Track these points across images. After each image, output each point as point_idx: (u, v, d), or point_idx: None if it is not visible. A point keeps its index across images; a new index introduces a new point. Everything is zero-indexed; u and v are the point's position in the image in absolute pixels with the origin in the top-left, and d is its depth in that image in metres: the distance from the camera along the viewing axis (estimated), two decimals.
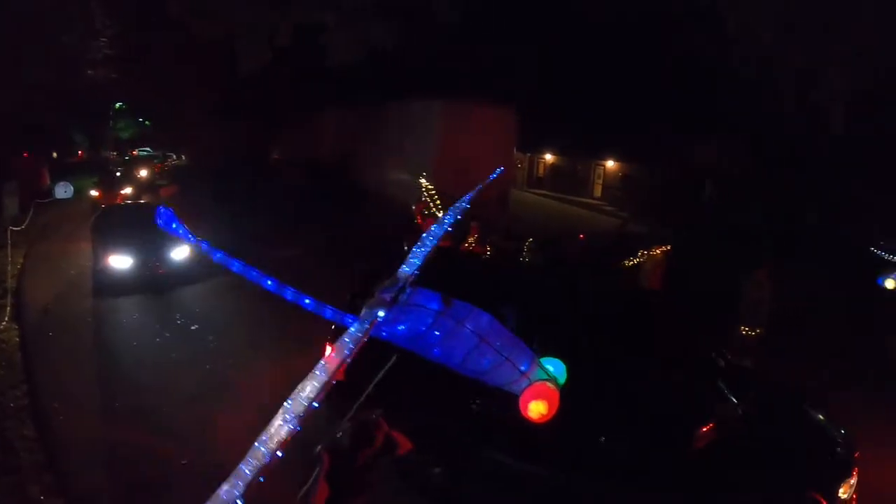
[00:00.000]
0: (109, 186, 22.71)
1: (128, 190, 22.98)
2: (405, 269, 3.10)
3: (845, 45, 14.99)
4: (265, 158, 40.03)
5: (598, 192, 38.38)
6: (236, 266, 2.98)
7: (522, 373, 3.10)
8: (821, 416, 6.66)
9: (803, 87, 16.64)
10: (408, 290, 2.98)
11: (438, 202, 11.85)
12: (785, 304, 11.14)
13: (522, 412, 3.07)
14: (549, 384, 3.14)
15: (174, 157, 52.59)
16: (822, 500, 5.69)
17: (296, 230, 17.89)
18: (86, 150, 53.69)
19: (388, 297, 2.93)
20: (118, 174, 28.51)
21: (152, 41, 28.99)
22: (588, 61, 29.91)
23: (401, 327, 2.97)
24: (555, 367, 3.26)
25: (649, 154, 31.95)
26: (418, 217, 11.24)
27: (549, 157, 42.25)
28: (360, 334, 2.86)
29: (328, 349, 6.09)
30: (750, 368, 8.61)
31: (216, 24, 19.75)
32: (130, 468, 6.05)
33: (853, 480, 5.89)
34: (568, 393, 3.53)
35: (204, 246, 2.94)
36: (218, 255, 2.96)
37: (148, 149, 53.74)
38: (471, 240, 11.45)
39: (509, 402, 3.21)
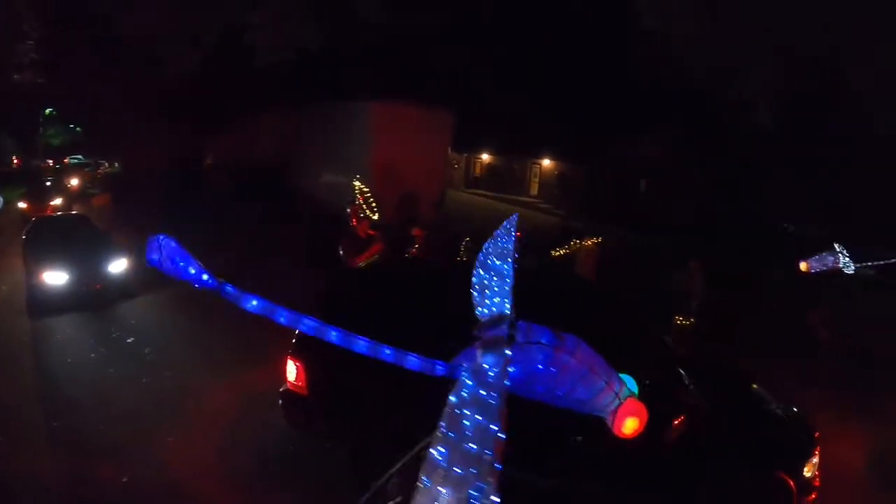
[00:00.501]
0: (38, 197, 21.58)
1: (58, 201, 21.94)
2: (498, 304, 2.84)
3: (769, 45, 15.52)
4: (199, 164, 38.96)
5: (534, 190, 38.73)
6: (284, 316, 2.53)
7: (615, 394, 2.94)
8: (771, 398, 6.84)
9: (731, 86, 17.19)
10: (521, 327, 2.72)
11: (373, 204, 11.61)
12: (717, 292, 11.45)
13: (616, 431, 2.92)
14: (634, 398, 2.97)
15: (106, 164, 50.54)
16: (788, 479, 5.86)
17: (229, 237, 17.42)
18: (21, 158, 51.41)
19: (499, 336, 2.67)
20: (48, 184, 27.16)
21: (76, 43, 27.93)
22: (523, 61, 30.18)
23: (511, 369, 2.68)
24: (626, 379, 3.10)
25: (585, 152, 32.42)
26: (354, 220, 10.98)
27: (485, 156, 42.39)
28: (499, 383, 2.58)
29: (290, 364, 5.79)
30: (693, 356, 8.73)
31: (141, 24, 19.15)
32: (70, 490, 5.79)
33: (815, 459, 6.07)
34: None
35: (230, 290, 2.33)
36: (252, 301, 2.36)
37: (80, 156, 51.42)
38: (416, 247, 11.29)
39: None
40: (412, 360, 2.61)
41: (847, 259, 12.23)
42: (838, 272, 12.14)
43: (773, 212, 26.38)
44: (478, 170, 43.63)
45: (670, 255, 11.95)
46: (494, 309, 2.84)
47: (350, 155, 20.49)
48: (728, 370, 7.64)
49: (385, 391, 5.52)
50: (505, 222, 3.57)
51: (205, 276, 2.34)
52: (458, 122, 27.30)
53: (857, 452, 8.90)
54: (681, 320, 10.57)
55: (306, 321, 2.43)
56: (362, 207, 11.38)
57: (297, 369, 5.76)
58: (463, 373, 2.61)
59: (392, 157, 18.92)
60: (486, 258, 3.26)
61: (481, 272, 3.10)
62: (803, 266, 12.05)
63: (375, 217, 11.21)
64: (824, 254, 12.18)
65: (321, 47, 20.08)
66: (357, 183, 11.73)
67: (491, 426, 2.42)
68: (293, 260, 13.92)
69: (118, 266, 12.26)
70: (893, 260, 13.07)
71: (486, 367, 2.60)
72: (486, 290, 2.99)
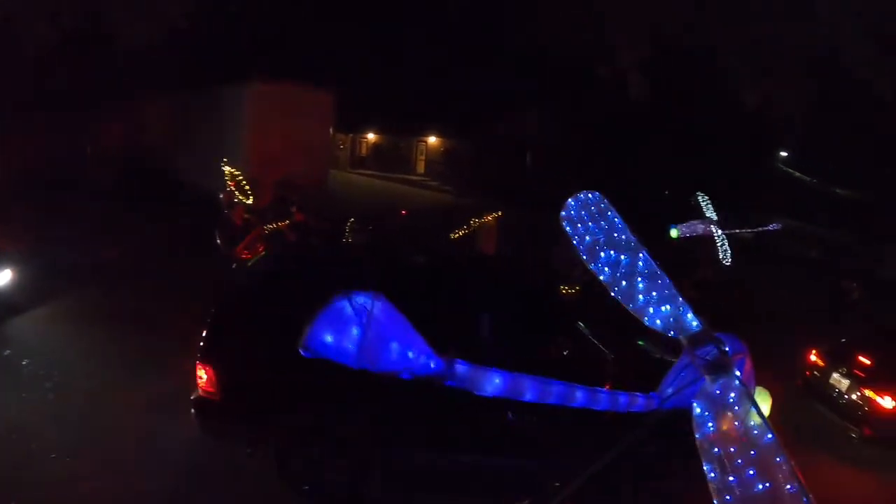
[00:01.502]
0: None
1: None
2: (670, 313, 2.84)
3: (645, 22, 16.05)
4: (76, 154, 36.36)
5: (421, 168, 38.78)
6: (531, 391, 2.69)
7: None
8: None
9: (601, 57, 17.57)
10: (724, 339, 2.75)
11: (247, 188, 11.12)
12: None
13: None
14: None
15: None
16: None
17: (111, 230, 16.39)
18: None
19: (716, 356, 2.63)
20: None
21: None
22: (407, 38, 29.89)
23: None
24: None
25: (471, 128, 32.68)
26: (226, 206, 10.54)
27: (371, 136, 42.00)
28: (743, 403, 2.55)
29: (200, 370, 5.31)
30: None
31: None
32: None
33: None
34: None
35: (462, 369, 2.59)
36: (495, 379, 2.69)
37: None
38: (287, 225, 10.98)
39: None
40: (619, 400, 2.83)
41: (716, 225, 12.99)
42: (709, 236, 12.91)
43: (652, 181, 27.64)
44: (364, 150, 43.17)
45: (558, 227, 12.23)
46: (669, 319, 2.83)
47: (229, 140, 19.66)
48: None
49: (300, 386, 5.36)
50: (590, 204, 3.49)
51: (431, 363, 2.46)
52: (343, 102, 26.78)
53: None
54: (566, 290, 10.85)
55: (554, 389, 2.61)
56: (234, 193, 10.94)
57: (207, 374, 5.45)
58: (695, 404, 2.62)
59: (272, 140, 18.33)
60: (600, 250, 3.20)
61: (607, 270, 3.08)
62: (674, 233, 12.74)
63: (249, 202, 10.79)
64: (694, 221, 12.90)
65: (193, 26, 18.99)
66: (228, 168, 11.21)
67: (766, 439, 2.43)
68: (178, 252, 13.26)
69: (2, 278, 10.97)
70: (766, 227, 14.02)
71: (720, 391, 2.58)
72: (641, 296, 2.94)
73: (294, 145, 18.83)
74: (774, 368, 9.84)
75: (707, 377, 2.62)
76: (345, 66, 27.55)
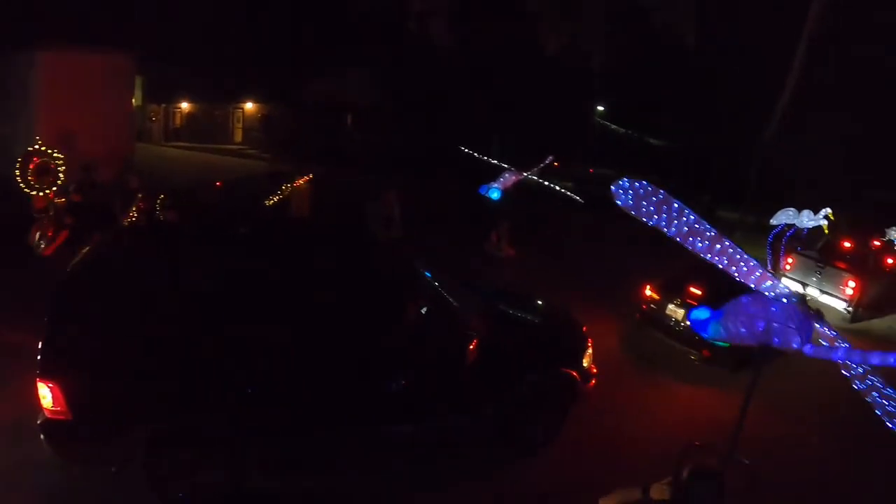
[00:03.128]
0: None
1: None
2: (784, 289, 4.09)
3: None
4: None
5: (239, 137, 37.64)
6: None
7: None
8: (540, 302, 7.82)
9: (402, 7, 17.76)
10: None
11: (58, 168, 10.37)
12: (421, 217, 12.39)
13: None
14: None
15: None
16: (573, 373, 6.75)
17: None
18: None
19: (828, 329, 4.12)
20: None
21: None
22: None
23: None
24: None
25: (287, 92, 32.03)
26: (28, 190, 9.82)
27: (185, 105, 39.87)
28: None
29: (42, 388, 4.89)
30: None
31: None
32: None
33: (590, 350, 7.07)
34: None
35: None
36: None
37: None
38: (134, 211, 10.40)
39: None
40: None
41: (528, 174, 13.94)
42: (520, 182, 13.80)
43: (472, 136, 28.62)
44: (178, 121, 40.93)
45: (373, 186, 12.58)
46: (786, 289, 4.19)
47: (17, 116, 17.98)
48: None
49: (160, 389, 5.17)
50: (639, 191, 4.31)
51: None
52: (152, 71, 25.19)
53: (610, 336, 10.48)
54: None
55: None
56: (33, 175, 10.17)
57: (52, 392, 4.86)
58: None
59: (66, 113, 16.96)
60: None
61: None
62: (495, 194, 13.42)
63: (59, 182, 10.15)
64: (504, 173, 13.70)
65: None
66: (34, 147, 10.37)
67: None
68: None
69: None
70: (545, 162, 14.95)
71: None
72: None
73: (91, 119, 17.56)
74: (612, 305, 11.24)
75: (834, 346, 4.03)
76: (151, 30, 25.91)
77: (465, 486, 6.06)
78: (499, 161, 14.38)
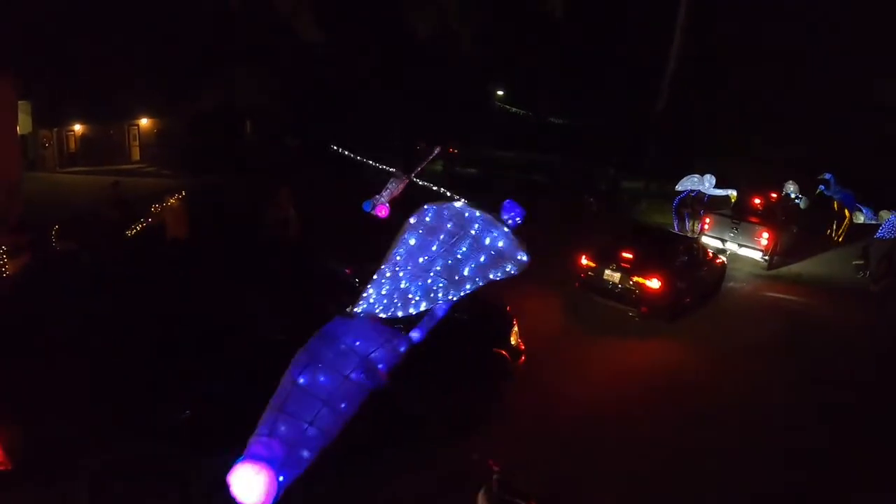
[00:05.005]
0: None
1: None
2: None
3: None
4: None
5: (136, 155, 36.75)
6: None
7: None
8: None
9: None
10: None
11: None
12: (315, 215, 12.72)
13: None
14: None
15: None
16: (503, 353, 7.22)
17: None
18: None
19: None
20: None
21: None
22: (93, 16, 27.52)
23: None
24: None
25: (181, 103, 31.40)
26: None
27: (78, 128, 38.56)
28: None
29: None
30: None
31: None
32: None
33: (515, 328, 7.53)
34: None
35: None
36: None
37: None
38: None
39: None
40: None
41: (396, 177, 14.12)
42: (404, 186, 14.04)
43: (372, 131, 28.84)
44: (73, 144, 39.55)
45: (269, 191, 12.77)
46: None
47: None
48: None
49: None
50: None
51: None
52: (42, 94, 24.20)
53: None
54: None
55: None
56: None
57: None
58: None
59: None
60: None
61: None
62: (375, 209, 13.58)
63: None
64: (389, 181, 13.80)
65: None
66: None
67: None
68: None
69: None
70: (432, 155, 15.46)
71: None
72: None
73: None
74: (549, 279, 11.96)
75: None
76: (33, 50, 24.94)
77: (404, 464, 6.47)
78: (383, 164, 14.54)
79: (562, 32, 23.94)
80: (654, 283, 10.86)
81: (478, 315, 7.59)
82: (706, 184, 17.04)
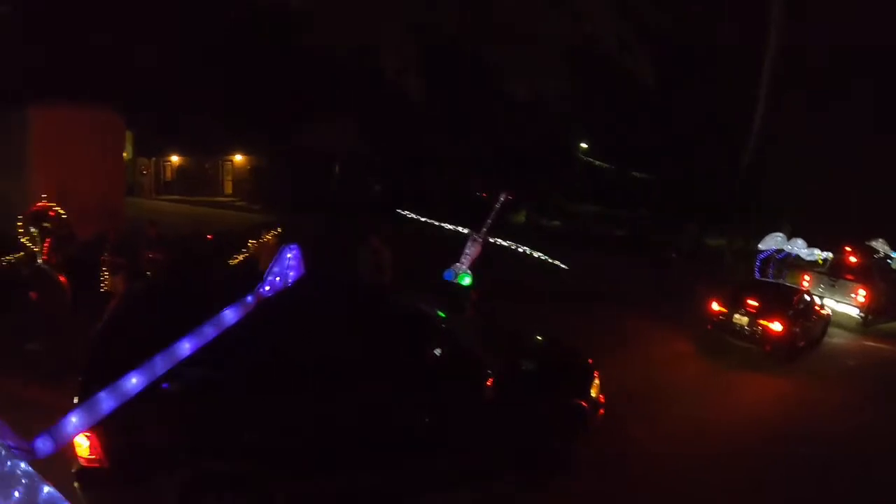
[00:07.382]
0: None
1: None
2: None
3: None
4: None
5: (229, 189, 37.97)
6: None
7: None
8: (539, 337, 8.23)
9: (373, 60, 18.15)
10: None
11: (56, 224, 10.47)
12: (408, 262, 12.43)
13: None
14: None
15: None
16: (583, 403, 7.08)
17: None
18: None
19: None
20: None
21: None
22: (204, 53, 28.90)
23: None
24: None
25: (276, 143, 32.35)
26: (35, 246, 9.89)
27: (175, 158, 40.29)
28: None
29: (81, 437, 4.84)
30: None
31: None
32: None
33: (597, 381, 7.39)
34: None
35: None
36: None
37: None
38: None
39: None
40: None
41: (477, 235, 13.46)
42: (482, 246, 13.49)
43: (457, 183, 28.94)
44: (169, 174, 41.31)
45: (359, 234, 12.52)
46: None
47: (9, 173, 18.06)
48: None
49: (193, 431, 5.26)
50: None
51: None
52: (142, 125, 25.32)
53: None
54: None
55: None
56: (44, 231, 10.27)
57: (90, 441, 4.85)
58: None
59: (55, 168, 17.04)
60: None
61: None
62: (467, 280, 13.12)
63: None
64: (466, 245, 13.25)
65: None
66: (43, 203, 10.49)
67: None
68: None
69: None
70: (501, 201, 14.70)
71: None
72: None
73: (82, 172, 17.68)
74: (682, 326, 14.52)
75: None
76: (144, 86, 26.21)
77: None
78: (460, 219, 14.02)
79: (650, 92, 23.61)
80: (776, 326, 12.80)
81: (551, 365, 7.50)
82: (795, 247, 16.86)
